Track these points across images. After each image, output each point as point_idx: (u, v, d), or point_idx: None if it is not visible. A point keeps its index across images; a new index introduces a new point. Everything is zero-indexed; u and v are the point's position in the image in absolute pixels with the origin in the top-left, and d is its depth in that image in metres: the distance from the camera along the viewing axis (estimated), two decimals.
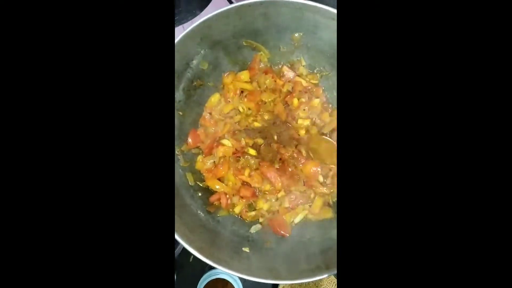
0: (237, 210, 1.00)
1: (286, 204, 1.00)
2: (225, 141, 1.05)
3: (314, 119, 1.10)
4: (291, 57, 1.14)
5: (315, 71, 1.14)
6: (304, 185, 1.01)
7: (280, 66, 1.14)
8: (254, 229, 0.98)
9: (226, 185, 1.01)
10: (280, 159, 1.03)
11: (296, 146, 1.09)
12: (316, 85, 1.14)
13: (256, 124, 1.10)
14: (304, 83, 1.12)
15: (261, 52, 1.12)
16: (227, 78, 1.10)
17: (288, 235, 0.96)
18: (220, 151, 1.01)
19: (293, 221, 0.99)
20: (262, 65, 1.13)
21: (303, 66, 1.14)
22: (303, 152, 1.08)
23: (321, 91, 1.13)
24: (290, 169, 1.06)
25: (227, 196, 1.00)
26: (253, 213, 0.99)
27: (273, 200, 1.03)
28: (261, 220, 0.99)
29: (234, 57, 1.09)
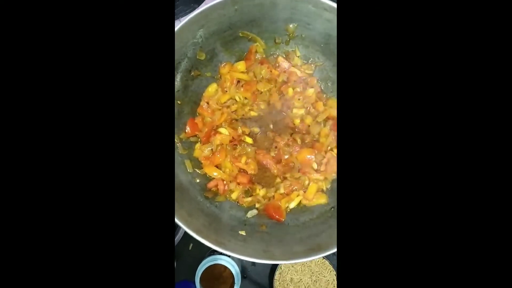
0: (234, 196, 1.03)
1: (282, 190, 1.02)
2: (222, 130, 1.07)
3: (308, 108, 1.13)
4: (286, 48, 1.16)
5: (309, 62, 1.17)
6: (299, 171, 1.03)
7: (275, 57, 1.16)
8: (250, 214, 1.00)
9: (223, 172, 1.03)
10: (276, 147, 1.05)
11: (291, 135, 1.12)
12: (310, 75, 1.16)
13: (253, 113, 1.13)
14: (299, 73, 1.15)
15: (257, 43, 1.14)
16: (224, 69, 1.12)
17: (283, 219, 0.99)
18: (217, 139, 1.03)
19: (288, 206, 1.01)
20: (258, 56, 1.16)
21: (298, 57, 1.16)
22: (298, 140, 1.11)
23: (315, 81, 1.16)
24: (285, 157, 1.10)
25: (225, 182, 1.02)
26: (249, 199, 1.01)
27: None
28: (257, 205, 1.01)
29: (230, 48, 1.12)
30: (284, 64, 1.16)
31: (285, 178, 1.03)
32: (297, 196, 1.03)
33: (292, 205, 1.02)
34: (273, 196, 1.02)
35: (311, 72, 1.16)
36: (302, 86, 1.14)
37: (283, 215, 1.00)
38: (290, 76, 1.14)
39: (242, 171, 1.02)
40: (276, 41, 1.15)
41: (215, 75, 1.13)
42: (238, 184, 1.02)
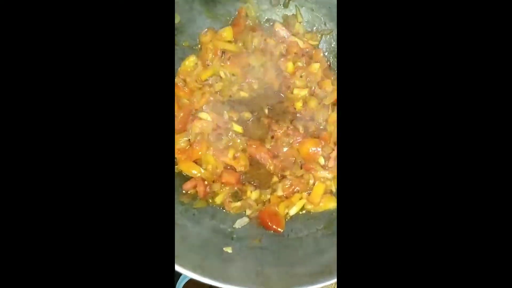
0: (218, 200, 0.84)
1: (280, 192, 0.85)
2: (203, 115, 0.86)
3: (313, 88, 0.91)
4: (285, 12, 0.93)
5: (314, 30, 0.94)
6: (301, 168, 0.86)
7: (271, 24, 0.94)
8: (239, 223, 0.82)
9: (205, 169, 0.85)
10: (272, 137, 0.89)
11: (291, 122, 0.90)
12: (315, 46, 0.94)
13: (243, 94, 0.91)
14: (301, 44, 0.93)
15: (248, 4, 0.91)
16: (205, 37, 0.91)
17: (281, 230, 0.81)
18: (196, 127, 0.86)
19: (288, 213, 0.84)
20: (249, 21, 0.92)
21: (300, 23, 0.94)
22: (300, 128, 0.88)
23: (322, 54, 0.93)
24: (284, 150, 0.87)
25: (206, 182, 0.84)
26: (238, 203, 0.83)
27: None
28: (248, 212, 0.83)
29: (213, 10, 0.90)
30: (282, 32, 0.93)
31: (284, 176, 0.86)
32: (300, 199, 0.85)
33: (294, 211, 0.84)
34: (269, 199, 0.85)
35: (316, 42, 0.95)
36: (305, 60, 0.92)
37: (281, 224, 0.82)
38: (290, 48, 0.93)
39: (229, 168, 0.85)
40: (273, 2, 0.92)
41: (194, 45, 0.92)
42: (224, 184, 0.84)
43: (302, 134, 0.88)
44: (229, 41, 0.90)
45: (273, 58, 0.91)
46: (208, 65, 0.90)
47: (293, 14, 0.94)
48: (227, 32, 0.90)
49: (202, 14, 0.90)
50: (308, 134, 0.88)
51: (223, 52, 0.90)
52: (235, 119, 0.88)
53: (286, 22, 0.94)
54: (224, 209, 0.84)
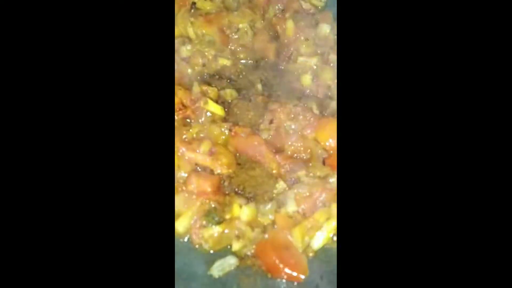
0: (180, 226, 0.52)
1: (292, 207, 0.54)
2: None
3: (326, 54, 0.63)
4: None
5: None
6: (324, 164, 0.58)
7: None
8: (220, 268, 0.50)
9: None
10: (271, 121, 0.62)
11: (299, 99, 0.60)
12: (321, 9, 0.72)
13: (222, 62, 0.62)
14: (303, 4, 0.70)
15: None
16: None
17: (303, 276, 0.50)
18: None
19: (310, 244, 0.53)
20: None
21: None
22: (314, 107, 0.58)
23: (331, 18, 0.68)
24: (292, 139, 0.55)
25: None
26: (216, 229, 0.52)
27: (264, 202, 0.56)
28: (237, 246, 0.52)
29: None
30: None
31: (295, 179, 0.57)
32: (328, 218, 0.54)
33: (320, 240, 0.53)
34: (273, 221, 0.54)
35: (321, 4, 0.74)
36: (310, 21, 0.67)
37: (301, 266, 0.50)
38: (289, 3, 0.68)
39: (201, 169, 0.58)
40: None
41: None
42: (192, 196, 0.55)
43: (316, 115, 0.57)
44: None
45: (266, 15, 0.68)
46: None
47: None
48: None
49: None
50: (329, 114, 0.60)
51: (193, 3, 0.63)
52: (211, 96, 0.57)
53: None
54: (191, 242, 0.51)
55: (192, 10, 0.67)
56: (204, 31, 0.66)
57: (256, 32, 0.69)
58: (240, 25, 0.68)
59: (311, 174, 0.57)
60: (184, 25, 0.65)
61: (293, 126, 0.63)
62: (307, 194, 0.55)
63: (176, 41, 0.66)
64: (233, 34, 0.68)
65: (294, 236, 0.52)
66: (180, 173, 0.55)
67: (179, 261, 0.49)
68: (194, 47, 0.65)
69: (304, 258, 0.51)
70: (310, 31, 0.70)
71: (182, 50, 0.64)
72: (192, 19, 0.66)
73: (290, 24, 0.68)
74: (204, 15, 0.67)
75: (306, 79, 0.67)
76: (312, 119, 0.61)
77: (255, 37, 0.68)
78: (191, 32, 0.65)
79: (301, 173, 0.57)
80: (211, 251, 0.52)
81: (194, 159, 0.57)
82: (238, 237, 0.52)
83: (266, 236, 0.53)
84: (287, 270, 0.49)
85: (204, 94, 0.62)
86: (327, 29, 0.70)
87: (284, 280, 0.50)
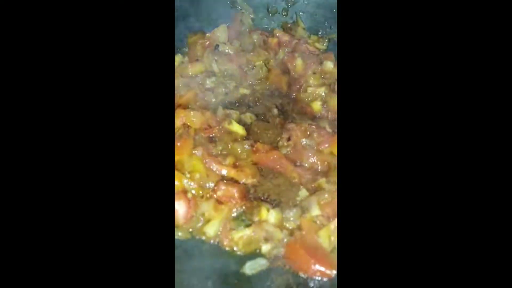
0: (211, 229, 0.52)
1: (315, 211, 0.56)
2: (185, 112, 0.60)
3: (332, 84, 0.71)
4: (285, 19, 0.83)
5: (320, 35, 0.82)
6: None
7: (270, 30, 0.82)
8: (251, 267, 0.50)
9: (189, 178, 0.56)
10: (289, 138, 0.65)
11: (313, 119, 0.65)
12: (323, 51, 0.80)
13: (242, 91, 0.68)
14: (308, 47, 0.78)
15: (243, 10, 0.80)
16: (194, 36, 0.76)
17: (332, 273, 0.50)
18: (179, 115, 0.61)
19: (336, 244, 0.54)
20: (244, 28, 0.80)
21: (303, 29, 0.82)
22: (327, 126, 0.63)
23: (333, 57, 0.78)
24: (309, 153, 0.59)
25: (190, 198, 0.54)
26: (246, 231, 0.52)
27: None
28: (266, 248, 0.53)
29: (205, 10, 0.78)
30: (284, 37, 0.79)
31: (319, 187, 0.59)
32: None
33: None
34: (299, 225, 0.56)
35: (323, 47, 0.82)
36: (315, 60, 0.75)
37: (329, 263, 0.51)
38: (296, 46, 0.77)
39: (227, 179, 0.60)
40: (270, 10, 0.82)
41: (181, 47, 0.77)
42: (221, 203, 0.56)
43: (329, 133, 0.62)
44: (224, 43, 0.75)
45: (277, 56, 0.76)
46: (197, 60, 0.72)
47: (293, 22, 0.83)
48: (221, 30, 0.75)
49: (190, 16, 0.76)
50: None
51: (217, 45, 0.72)
52: (234, 118, 0.62)
53: (287, 29, 0.82)
54: (220, 244, 0.52)
55: (216, 51, 0.77)
56: (226, 67, 0.75)
57: (270, 68, 0.76)
58: (257, 63, 0.75)
59: (331, 181, 0.57)
60: (209, 62, 0.72)
61: (309, 143, 0.66)
62: (330, 199, 0.56)
63: (201, 75, 0.74)
64: (250, 70, 0.77)
65: (321, 237, 0.53)
66: (208, 183, 0.56)
67: (211, 262, 0.48)
68: (217, 79, 0.73)
69: (330, 256, 0.51)
70: (317, 67, 0.77)
71: (207, 82, 0.70)
72: (216, 58, 0.76)
73: (299, 61, 0.75)
74: (226, 54, 0.77)
75: (317, 105, 0.71)
76: (326, 136, 0.66)
77: (269, 72, 0.74)
78: (215, 67, 0.71)
79: (322, 180, 0.57)
80: (242, 254, 0.50)
81: (220, 169, 0.59)
82: (266, 240, 0.51)
83: (293, 238, 0.52)
84: (318, 267, 0.50)
85: (227, 116, 0.69)
86: (331, 65, 0.76)
87: (315, 277, 0.48)
